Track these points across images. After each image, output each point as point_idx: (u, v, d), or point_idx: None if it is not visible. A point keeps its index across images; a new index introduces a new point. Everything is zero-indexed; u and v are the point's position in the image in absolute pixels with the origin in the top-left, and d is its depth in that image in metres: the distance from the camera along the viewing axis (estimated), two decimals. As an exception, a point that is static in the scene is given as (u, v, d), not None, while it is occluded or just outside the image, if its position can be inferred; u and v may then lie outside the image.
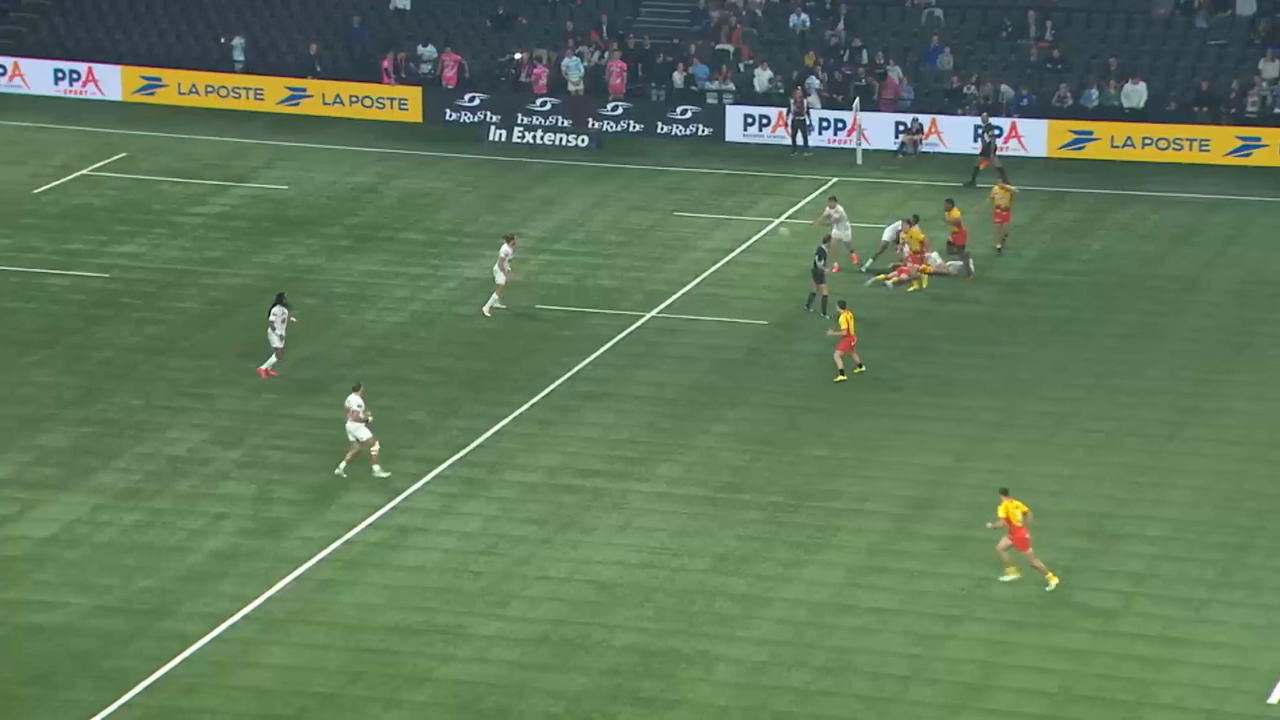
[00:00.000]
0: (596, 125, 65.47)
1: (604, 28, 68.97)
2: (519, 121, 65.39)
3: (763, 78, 66.37)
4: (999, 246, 54.66)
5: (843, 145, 63.90)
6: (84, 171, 60.85)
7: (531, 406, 45.75)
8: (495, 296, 50.34)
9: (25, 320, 49.87)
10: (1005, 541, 37.85)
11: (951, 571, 38.66)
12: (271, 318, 46.18)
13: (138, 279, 52.82)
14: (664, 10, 70.16)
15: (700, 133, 65.49)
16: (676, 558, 39.42)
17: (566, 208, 59.12)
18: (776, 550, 39.79)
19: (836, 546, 39.87)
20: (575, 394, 46.59)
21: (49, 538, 39.34)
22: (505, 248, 49.76)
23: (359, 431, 41.73)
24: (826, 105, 64.73)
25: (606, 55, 67.59)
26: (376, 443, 41.67)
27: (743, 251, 55.89)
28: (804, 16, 68.68)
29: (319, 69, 68.05)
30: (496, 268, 50.10)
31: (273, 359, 46.38)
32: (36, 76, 67.98)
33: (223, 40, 68.68)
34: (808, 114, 63.46)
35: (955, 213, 52.77)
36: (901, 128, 63.35)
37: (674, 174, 61.77)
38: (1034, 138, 63.75)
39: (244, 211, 58.19)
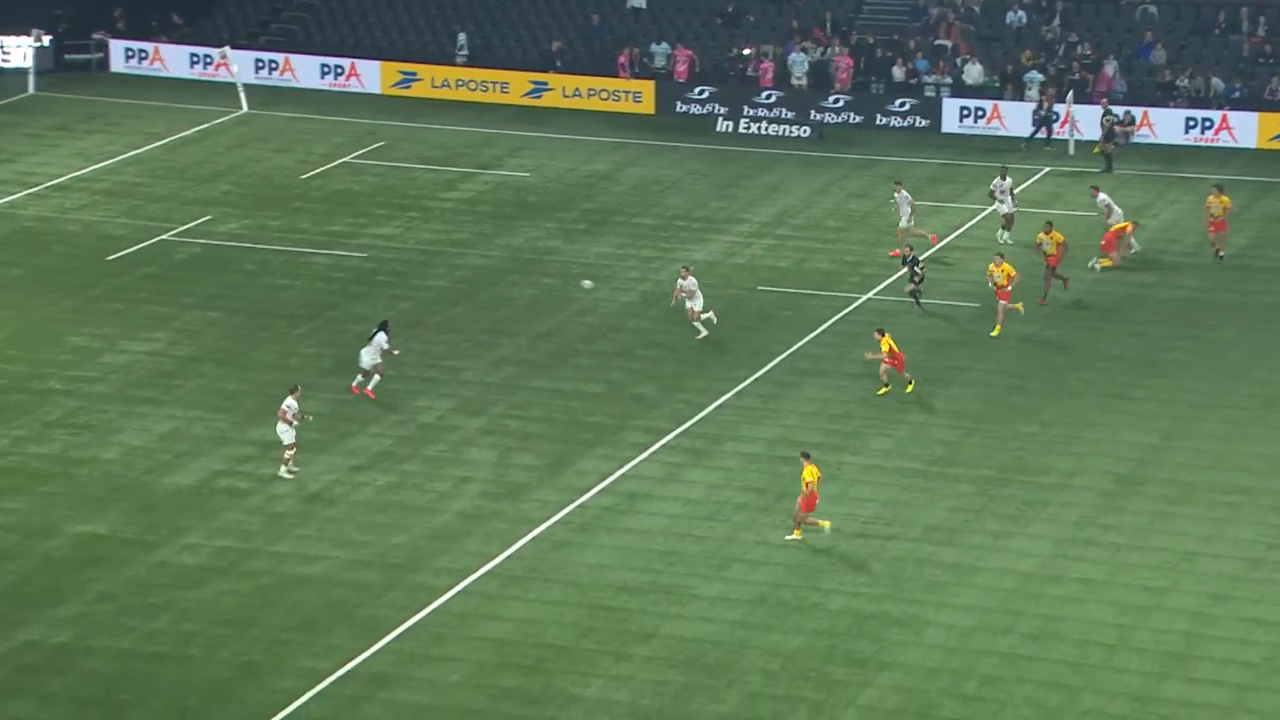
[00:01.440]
0: (818, 117, 65.29)
1: (828, 24, 68.74)
2: (745, 113, 65.43)
3: (974, 71, 65.75)
4: (1219, 254, 52.83)
5: (1055, 136, 63.12)
6: (346, 159, 61.96)
7: (753, 381, 45.77)
8: None
9: (293, 296, 50.95)
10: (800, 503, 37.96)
11: (1157, 545, 38.03)
12: (374, 343, 43.83)
13: (392, 259, 53.68)
14: (885, 7, 69.76)
15: (917, 124, 65.11)
16: (889, 526, 39.24)
17: (788, 195, 58.99)
18: (986, 522, 39.42)
19: (1045, 519, 39.41)
20: (794, 370, 46.53)
21: (311, 496, 40.19)
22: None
23: (286, 435, 39.90)
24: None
25: (830, 51, 67.38)
26: (296, 447, 40.04)
27: (956, 237, 55.37)
28: (1021, 13, 67.91)
29: (560, 64, 68.64)
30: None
31: (375, 379, 43.92)
32: (305, 71, 69.42)
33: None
34: (1053, 111, 62.89)
35: (1057, 235, 49.70)
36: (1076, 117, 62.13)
37: (891, 163, 61.33)
38: (1244, 130, 62.70)
39: (489, 197, 58.86)
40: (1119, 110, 62.48)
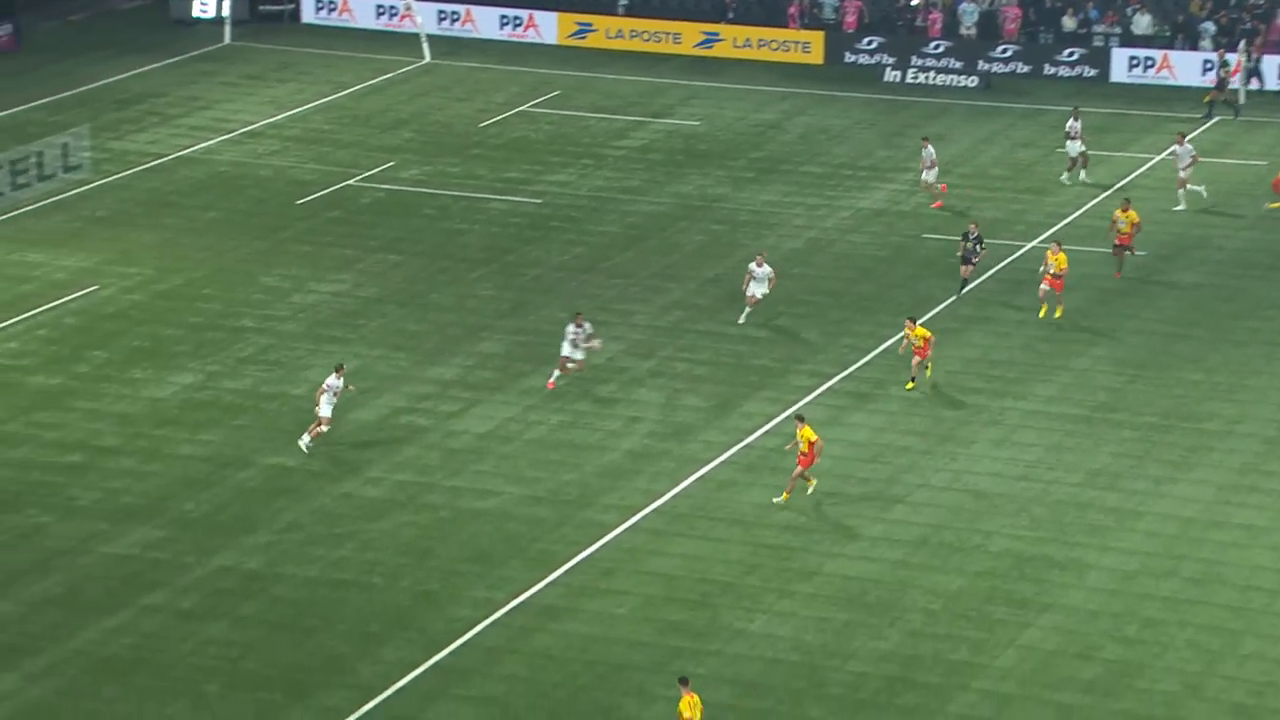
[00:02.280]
0: (986, 67, 64.53)
1: (993, -26, 67.83)
2: (913, 63, 64.84)
3: (1143, 21, 64.58)
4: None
5: (1231, 86, 61.82)
6: (523, 108, 62.31)
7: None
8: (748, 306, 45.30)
9: (470, 240, 51.45)
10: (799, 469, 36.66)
11: (1315, 493, 37.40)
12: (574, 334, 41.69)
13: (566, 205, 53.98)
14: (1052, -44, 68.64)
15: (1085, 74, 64.16)
16: (1051, 471, 38.94)
17: (955, 144, 58.41)
18: (1149, 467, 39.00)
19: (1208, 465, 38.91)
20: (957, 317, 46.19)
21: (487, 433, 40.69)
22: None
23: (324, 410, 38.67)
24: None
25: (999, 1, 66.50)
26: (327, 425, 38.71)
27: (1123, 186, 54.57)
28: (1192, -37, 66.57)
29: (731, 15, 68.43)
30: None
31: (557, 373, 42.03)
32: (485, 22, 69.81)
33: None
34: (1256, 63, 61.77)
35: (1133, 215, 47.42)
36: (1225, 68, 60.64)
37: (1058, 113, 60.43)
38: None
39: (660, 145, 58.92)
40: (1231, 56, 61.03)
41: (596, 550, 35.89)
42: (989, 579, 35.08)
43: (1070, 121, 54.45)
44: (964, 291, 45.91)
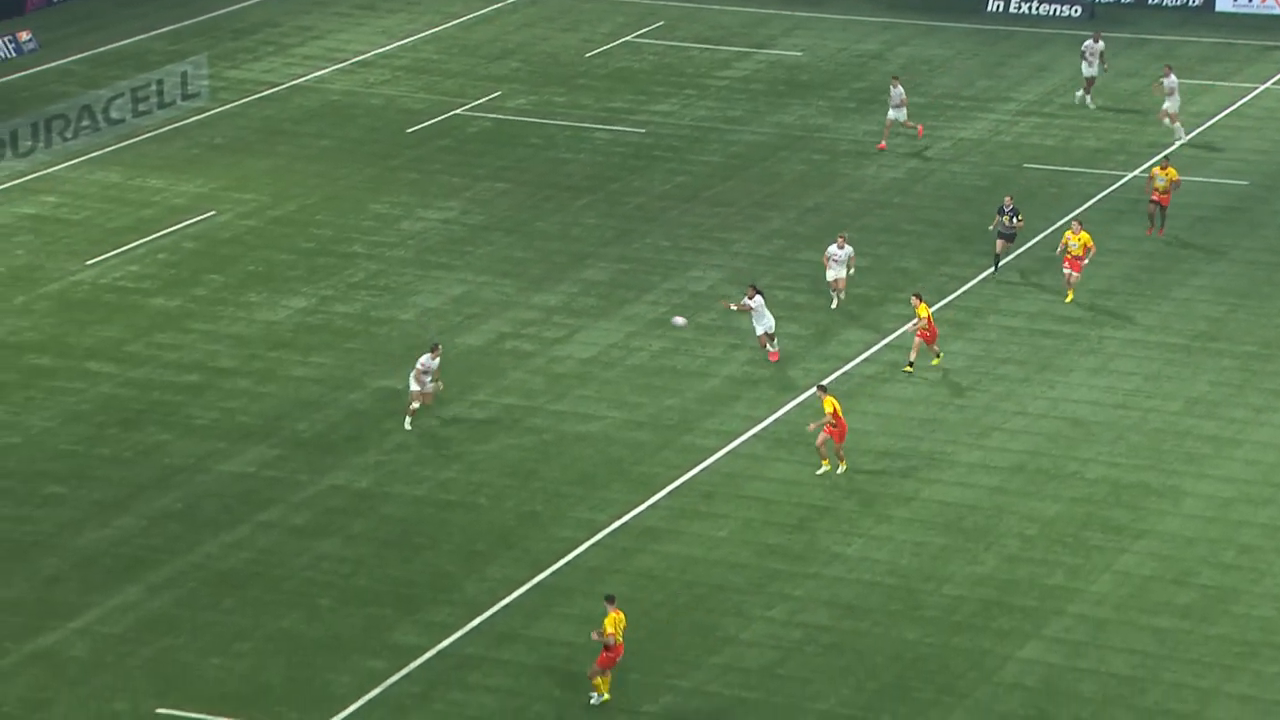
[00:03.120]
0: (1089, -3, 63.61)
1: (1098, -95, 66.63)
2: (1016, -7, 63.96)
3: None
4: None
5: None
6: (627, 38, 62.05)
7: (1016, 258, 45.07)
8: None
9: (575, 169, 51.40)
10: (823, 435, 34.91)
11: None
12: (753, 303, 39.22)
13: (669, 134, 53.78)
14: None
15: (1191, 3, 63.02)
16: (1149, 399, 38.54)
17: (1056, 74, 57.64)
18: (1249, 396, 38.50)
19: (1302, 396, 38.38)
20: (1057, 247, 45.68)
21: (590, 359, 40.75)
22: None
23: (414, 385, 36.77)
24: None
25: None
26: (422, 400, 36.81)
27: (1227, 115, 53.69)
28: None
29: (833, -54, 67.65)
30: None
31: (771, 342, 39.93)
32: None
33: None
34: None
35: (1172, 172, 45.40)
36: None
37: (1163, 42, 59.51)
38: None
39: (762, 75, 58.53)
40: None
41: (696, 474, 35.92)
42: (1085, 505, 34.81)
43: (1088, 41, 53.66)
44: (999, 267, 42.66)
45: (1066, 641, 30.98)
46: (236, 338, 41.32)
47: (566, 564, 32.94)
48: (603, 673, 28.88)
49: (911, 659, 30.38)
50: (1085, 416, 37.93)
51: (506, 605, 31.69)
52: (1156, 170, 45.61)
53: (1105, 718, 29.11)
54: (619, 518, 34.43)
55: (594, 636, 28.96)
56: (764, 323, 39.12)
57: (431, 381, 36.85)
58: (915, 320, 38.61)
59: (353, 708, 28.76)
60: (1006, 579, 32.65)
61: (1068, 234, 41.89)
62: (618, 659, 28.88)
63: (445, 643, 30.52)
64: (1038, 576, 32.77)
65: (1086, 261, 41.81)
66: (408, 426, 37.35)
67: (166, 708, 28.64)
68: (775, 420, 37.96)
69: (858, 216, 47.64)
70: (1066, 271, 41.79)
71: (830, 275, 41.95)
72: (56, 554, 32.83)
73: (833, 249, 41.85)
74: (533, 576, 32.52)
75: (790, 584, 32.34)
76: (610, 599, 29.23)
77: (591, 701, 28.79)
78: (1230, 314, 42.01)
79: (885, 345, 40.71)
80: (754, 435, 37.40)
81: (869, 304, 42.94)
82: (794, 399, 38.72)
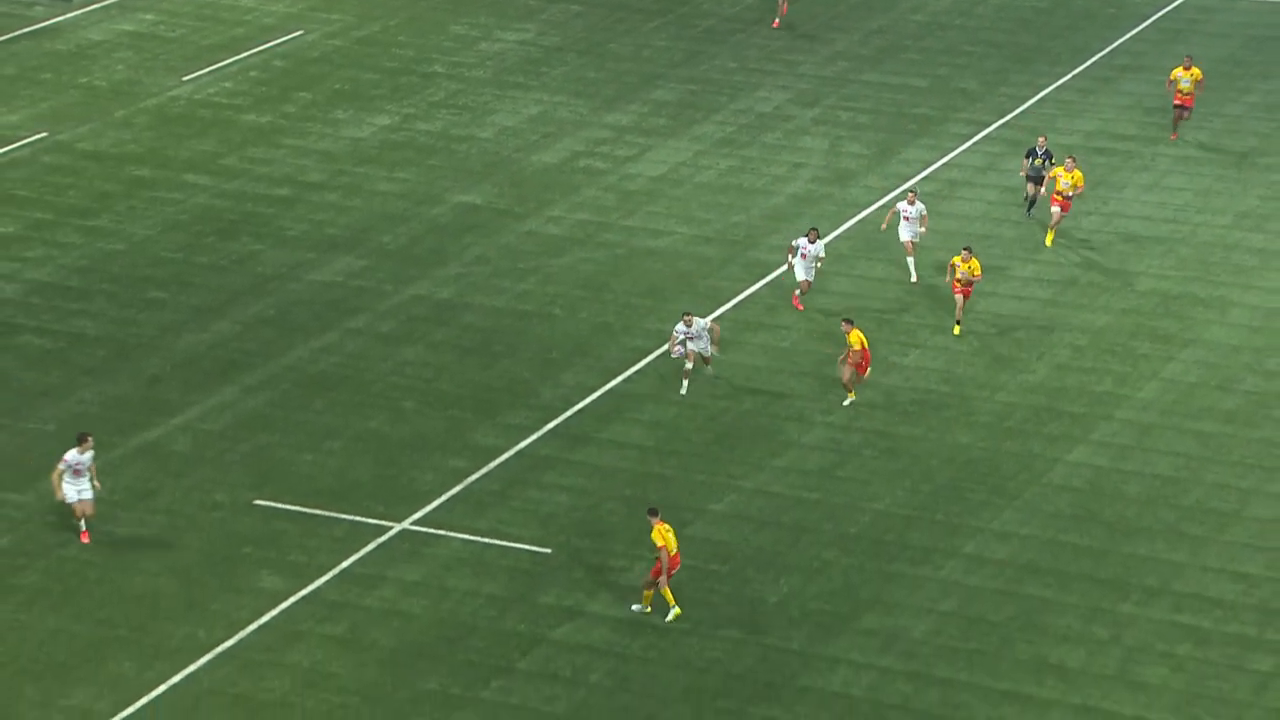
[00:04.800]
0: None
1: None
2: None
3: None
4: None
5: None
6: None
7: (1073, 76, 44.32)
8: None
9: (644, -8, 50.71)
10: (847, 370, 31.52)
11: None
12: (805, 248, 34.41)
13: (737, -41, 52.84)
14: None
15: None
16: (1200, 214, 38.06)
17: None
18: (1290, 213, 37.97)
19: (1347, 213, 37.78)
20: (1113, 66, 44.88)
21: (659, 177, 40.51)
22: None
23: (677, 349, 31.87)
24: None
25: None
26: (692, 362, 31.90)
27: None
28: None
29: None
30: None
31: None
32: None
33: None
34: None
35: (1196, 71, 40.66)
36: None
37: None
38: None
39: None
40: None
41: (760, 288, 35.81)
42: (1134, 316, 34.56)
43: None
44: (1031, 211, 37.82)
45: (1113, 445, 30.92)
46: (324, 153, 41.27)
47: (637, 371, 33.03)
48: (654, 583, 26.08)
49: (964, 462, 30.43)
50: (1137, 231, 37.51)
51: (580, 410, 31.87)
52: (1179, 71, 41.04)
53: (1149, 516, 29.14)
54: (687, 327, 34.39)
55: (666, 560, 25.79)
56: (810, 271, 33.98)
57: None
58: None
59: (435, 503, 29.12)
60: (1057, 387, 32.55)
61: (1059, 170, 36.39)
62: (674, 570, 26.02)
63: (522, 444, 30.76)
64: (1087, 384, 32.64)
65: (1073, 200, 36.43)
66: (683, 390, 31.61)
67: (263, 499, 29.08)
68: (838, 236, 37.70)
69: (919, 38, 46.85)
70: (1055, 210, 36.28)
71: (904, 237, 35.13)
72: (159, 355, 33.20)
73: (903, 205, 35.27)
74: (605, 383, 32.65)
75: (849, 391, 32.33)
76: (653, 512, 26.33)
77: (633, 609, 26.29)
78: (1280, 132, 41.31)
79: (945, 164, 40.24)
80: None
81: (929, 123, 42.40)
82: (856, 215, 38.41)
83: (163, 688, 24.73)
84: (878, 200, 38.98)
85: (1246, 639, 26.25)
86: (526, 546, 27.99)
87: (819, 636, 26.10)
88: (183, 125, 42.38)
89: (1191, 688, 25.23)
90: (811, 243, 34.19)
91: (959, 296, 33.74)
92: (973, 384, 32.64)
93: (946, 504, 29.38)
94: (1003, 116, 42.56)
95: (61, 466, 27.49)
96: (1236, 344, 33.65)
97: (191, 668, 25.09)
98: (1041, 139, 37.73)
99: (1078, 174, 36.32)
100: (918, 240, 35.33)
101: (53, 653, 25.46)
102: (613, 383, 32.70)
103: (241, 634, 25.77)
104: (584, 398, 32.24)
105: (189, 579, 27.03)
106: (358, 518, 28.61)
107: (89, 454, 27.65)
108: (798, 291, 34.51)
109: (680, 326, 31.82)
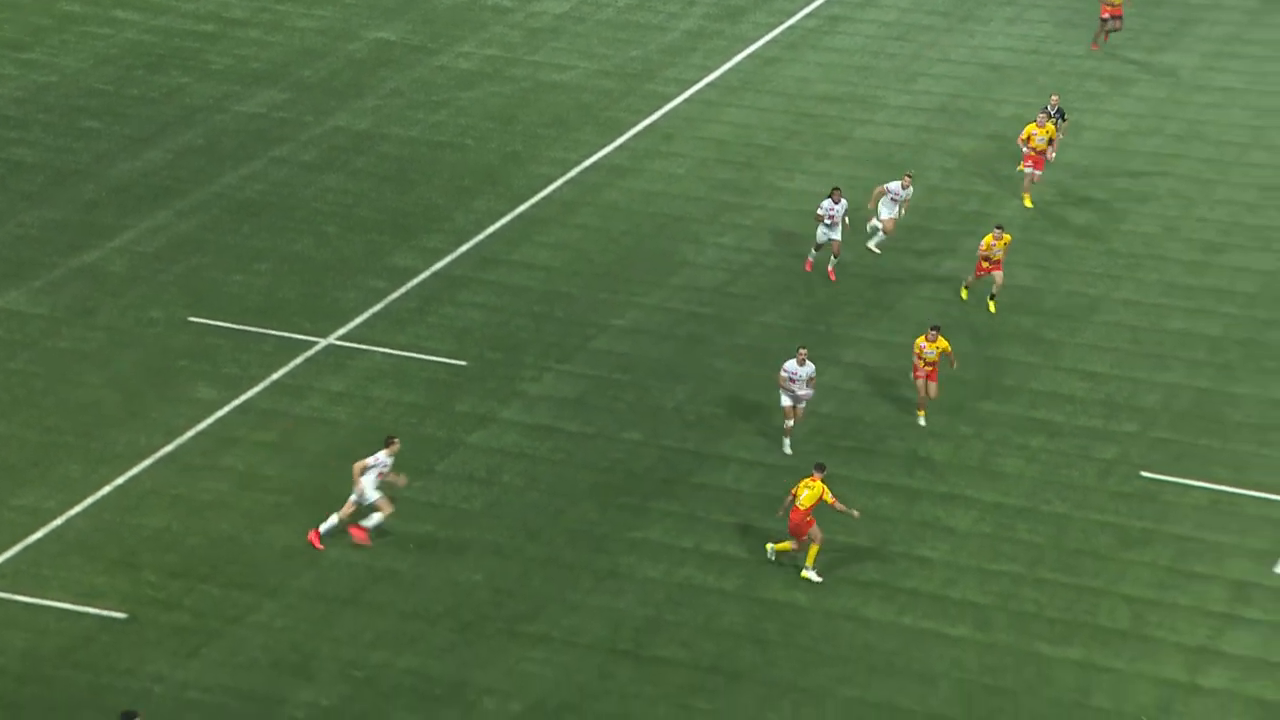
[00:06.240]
0: None
1: None
2: None
3: None
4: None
5: None
6: None
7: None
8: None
9: None
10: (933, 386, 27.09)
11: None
12: (831, 209, 30.56)
13: None
14: None
15: None
16: (1058, 45, 38.62)
17: None
18: (1142, 39, 38.61)
19: (1194, 37, 38.43)
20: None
21: (563, 14, 40.41)
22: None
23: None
24: None
25: None
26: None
27: None
28: None
29: None
30: None
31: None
32: None
33: None
34: None
35: None
36: None
37: None
38: None
39: None
40: None
41: (658, 119, 36.08)
42: (999, 141, 35.23)
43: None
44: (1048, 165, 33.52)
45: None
46: (244, -6, 40.82)
47: (543, 198, 33.32)
48: (809, 540, 23.58)
49: (843, 278, 31.10)
50: (1002, 62, 38.06)
51: (491, 233, 32.18)
52: None
53: (1010, 323, 30.03)
54: (589, 157, 34.69)
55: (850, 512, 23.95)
56: (835, 231, 30.50)
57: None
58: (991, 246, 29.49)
59: (358, 320, 29.47)
60: (928, 207, 33.24)
61: (1031, 126, 32.81)
62: (806, 529, 23.50)
63: (438, 265, 31.09)
64: (955, 204, 33.36)
65: (1052, 156, 33.20)
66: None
67: (197, 317, 29.32)
68: (728, 69, 37.96)
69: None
70: (1029, 170, 32.80)
71: (884, 214, 31.40)
72: (94, 181, 33.10)
73: (894, 186, 31.39)
74: (514, 208, 32.94)
75: (740, 215, 32.86)
76: (819, 467, 23.78)
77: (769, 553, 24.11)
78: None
79: (828, 0, 40.42)
80: (709, 83, 37.45)
81: (813, -37, 42.49)
82: (745, 49, 38.62)
83: (108, 488, 25.14)
84: (764, 35, 39.20)
85: (1094, 430, 27.35)
86: (443, 359, 28.48)
87: (711, 438, 26.89)
88: (108, -35, 41.67)
89: (1044, 475, 26.31)
90: (836, 203, 30.32)
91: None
92: (850, 204, 33.17)
93: (826, 316, 30.13)
94: (881, -44, 42.70)
95: (372, 463, 23.64)
96: (1088, 164, 34.49)
97: (134, 470, 25.49)
98: (1054, 96, 34.22)
99: (1050, 127, 32.64)
100: (897, 219, 31.45)
101: (4, 456, 25.77)
102: (521, 208, 33.00)
103: (180, 440, 26.18)
104: (494, 222, 32.55)
105: (129, 390, 27.34)
106: (286, 333, 28.94)
107: (391, 459, 23.84)
108: (812, 255, 30.69)
109: (791, 365, 26.36)
